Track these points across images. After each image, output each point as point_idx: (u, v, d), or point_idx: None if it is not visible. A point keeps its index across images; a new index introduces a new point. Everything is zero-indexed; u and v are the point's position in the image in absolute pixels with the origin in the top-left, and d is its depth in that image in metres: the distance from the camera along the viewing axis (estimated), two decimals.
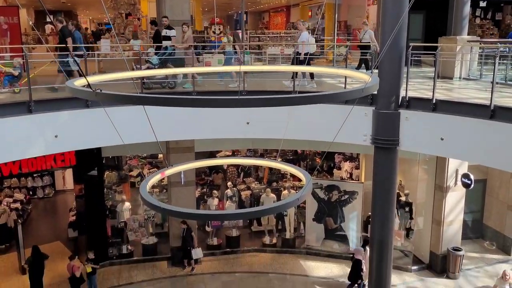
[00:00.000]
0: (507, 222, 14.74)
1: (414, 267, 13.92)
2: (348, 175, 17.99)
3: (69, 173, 19.18)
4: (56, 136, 9.05)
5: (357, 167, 17.65)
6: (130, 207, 15.66)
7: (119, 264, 14.37)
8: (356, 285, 12.38)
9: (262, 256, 14.91)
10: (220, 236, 15.57)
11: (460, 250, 13.38)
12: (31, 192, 19.48)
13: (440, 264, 13.62)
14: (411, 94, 9.57)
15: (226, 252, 15.06)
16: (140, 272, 13.93)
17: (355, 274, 12.36)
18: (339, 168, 18.64)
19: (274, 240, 15.51)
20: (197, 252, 13.94)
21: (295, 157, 19.60)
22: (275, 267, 14.19)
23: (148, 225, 15.32)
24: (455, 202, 13.58)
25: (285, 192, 15.68)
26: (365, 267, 12.09)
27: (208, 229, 15.67)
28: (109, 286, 13.17)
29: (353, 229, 14.89)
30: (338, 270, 13.96)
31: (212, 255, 14.93)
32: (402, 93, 9.40)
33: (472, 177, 13.10)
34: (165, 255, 14.63)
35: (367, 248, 12.29)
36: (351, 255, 12.80)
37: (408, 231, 15.20)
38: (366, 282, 11.70)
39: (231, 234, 15.39)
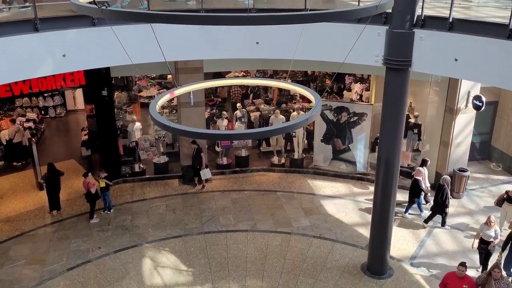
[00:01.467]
0: None
1: None
2: (358, 97, 17.89)
3: (79, 93, 19.27)
4: (64, 55, 8.95)
5: (368, 89, 17.50)
6: (140, 127, 15.89)
7: (132, 182, 14.87)
8: (414, 204, 12.86)
9: (271, 175, 15.31)
10: (230, 156, 15.90)
11: (466, 171, 13.58)
12: (43, 112, 19.73)
13: None
14: (427, 12, 9.21)
15: (235, 171, 15.46)
16: (153, 189, 14.45)
17: (413, 193, 12.75)
18: (349, 90, 18.50)
19: (283, 160, 15.82)
20: (205, 173, 14.30)
21: (304, 79, 19.42)
22: (283, 185, 14.61)
23: (159, 145, 15.63)
24: (464, 124, 13.56)
25: (294, 113, 15.72)
26: (424, 185, 12.70)
27: (218, 149, 15.98)
28: (123, 202, 13.74)
29: (360, 150, 15.08)
30: (344, 189, 14.35)
31: (222, 174, 15.36)
32: (418, 11, 9.05)
33: (483, 99, 12.96)
34: (176, 173, 15.06)
35: (425, 168, 12.89)
36: (411, 175, 13.06)
37: (415, 152, 15.39)
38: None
39: (240, 154, 15.69)
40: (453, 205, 13.34)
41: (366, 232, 11.66)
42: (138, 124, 15.79)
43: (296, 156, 15.69)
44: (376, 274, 10.57)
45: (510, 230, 10.70)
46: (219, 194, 14.18)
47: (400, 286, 10.27)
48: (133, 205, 13.61)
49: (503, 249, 10.14)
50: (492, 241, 10.05)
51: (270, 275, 10.62)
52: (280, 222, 12.65)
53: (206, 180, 14.59)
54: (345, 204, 13.54)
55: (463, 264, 8.51)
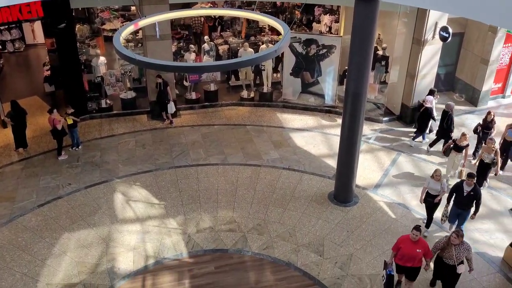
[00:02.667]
0: (478, 75, 15.16)
1: (385, 118, 14.60)
2: (327, 29, 17.70)
3: (38, 26, 18.35)
4: None
5: (337, 21, 17.30)
6: (105, 61, 15.41)
7: (99, 118, 14.65)
8: (423, 133, 13.48)
9: (240, 109, 15.33)
10: (199, 91, 15.75)
11: None
12: (0, 47, 18.79)
13: (410, 115, 14.28)
14: None
15: (204, 106, 15.38)
16: (121, 125, 14.30)
17: (422, 122, 13.27)
18: (319, 22, 18.24)
19: (252, 94, 15.79)
20: (171, 107, 14.18)
21: (273, 10, 18.96)
22: (253, 119, 14.69)
23: (125, 80, 15.28)
24: (430, 55, 13.72)
25: (263, 46, 15.50)
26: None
27: (186, 83, 15.77)
28: (92, 138, 13.60)
29: (329, 83, 15.16)
30: (313, 122, 14.57)
31: (191, 109, 15.27)
32: None
33: (450, 30, 13.05)
34: (145, 109, 14.88)
35: (434, 97, 13.24)
36: (420, 103, 13.56)
37: (382, 84, 15.61)
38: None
39: (209, 88, 15.55)
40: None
41: (333, 163, 12.01)
42: (102, 59, 15.30)
43: (265, 89, 15.67)
44: (342, 202, 11.04)
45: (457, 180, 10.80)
46: (189, 129, 14.17)
47: (364, 212, 10.79)
48: (102, 141, 13.49)
49: (448, 202, 9.77)
50: (439, 195, 9.73)
51: (240, 206, 10.95)
52: (250, 155, 12.86)
53: (175, 115, 14.50)
54: (314, 137, 13.80)
55: (417, 228, 7.92)
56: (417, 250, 7.96)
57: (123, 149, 13.09)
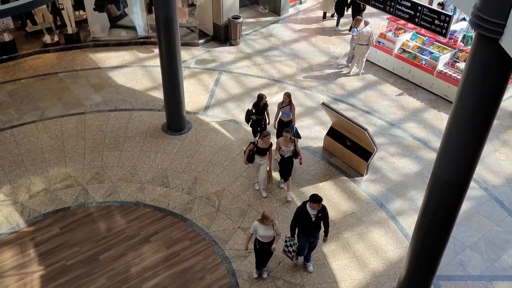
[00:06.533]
0: None
1: (201, 41, 14.72)
2: None
3: None
4: None
5: None
6: None
7: None
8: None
9: (46, 57, 13.87)
10: None
11: (239, 18, 14.39)
12: None
13: (223, 33, 14.63)
14: None
15: (2, 60, 13.51)
16: None
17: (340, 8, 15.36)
18: None
19: (56, 38, 14.33)
20: None
21: None
22: (63, 65, 13.49)
23: None
24: None
25: None
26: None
27: None
28: None
29: (138, 14, 14.51)
30: (130, 57, 13.99)
31: None
32: None
33: None
34: None
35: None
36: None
37: (191, 7, 15.53)
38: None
39: (3, 39, 13.61)
40: (232, 52, 14.34)
41: (160, 94, 11.89)
42: None
43: (69, 30, 14.32)
44: (176, 131, 11.16)
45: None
46: None
47: (199, 136, 11.12)
48: None
49: (293, 233, 7.87)
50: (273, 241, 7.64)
51: (73, 159, 10.33)
52: (70, 104, 11.96)
53: None
54: (134, 72, 13.34)
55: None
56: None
57: None
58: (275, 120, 10.33)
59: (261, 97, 10.10)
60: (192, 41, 14.69)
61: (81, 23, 14.85)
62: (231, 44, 14.65)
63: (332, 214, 9.24)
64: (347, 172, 10.31)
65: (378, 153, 10.39)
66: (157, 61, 12.24)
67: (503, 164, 10.62)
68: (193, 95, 12.41)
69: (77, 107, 11.87)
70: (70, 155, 10.43)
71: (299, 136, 10.08)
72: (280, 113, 10.10)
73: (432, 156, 10.41)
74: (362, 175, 10.19)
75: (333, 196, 9.71)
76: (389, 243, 8.82)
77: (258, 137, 9.79)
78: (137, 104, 12.07)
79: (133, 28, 14.72)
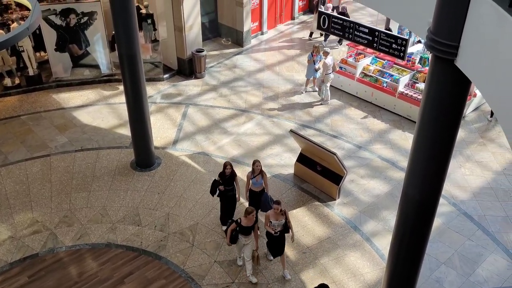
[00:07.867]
0: (237, 17, 16.31)
1: (166, 75, 14.74)
2: None
3: None
4: None
5: None
6: None
7: None
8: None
9: (8, 100, 13.57)
10: None
11: (202, 51, 14.54)
12: None
13: (188, 67, 14.72)
14: None
15: None
16: None
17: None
18: None
19: (17, 81, 14.09)
20: None
21: None
22: (26, 108, 13.22)
23: None
24: (191, 6, 14.12)
25: (14, 24, 13.73)
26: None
27: None
28: None
29: (100, 52, 14.46)
30: (94, 95, 13.85)
31: None
32: None
33: None
34: None
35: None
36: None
37: (154, 42, 15.61)
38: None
39: None
40: (198, 85, 14.42)
41: (127, 131, 11.76)
42: None
43: (31, 72, 14.11)
44: (146, 167, 11.01)
45: None
46: None
47: (169, 171, 11.00)
48: None
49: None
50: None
51: (39, 203, 10.01)
52: (34, 146, 11.67)
53: None
54: (99, 110, 13.19)
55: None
56: None
57: None
58: (246, 192, 9.24)
59: (225, 165, 8.87)
60: (157, 76, 14.70)
61: (43, 64, 14.66)
62: (196, 77, 14.74)
63: (307, 240, 9.23)
64: (319, 197, 10.36)
65: (348, 176, 10.52)
66: (122, 98, 12.16)
67: (469, 179, 10.91)
68: (160, 130, 12.34)
69: (42, 149, 11.59)
70: (37, 199, 10.12)
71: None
72: (251, 183, 9.01)
73: (401, 175, 10.61)
74: (335, 199, 10.26)
75: (307, 222, 9.71)
76: (366, 266, 8.84)
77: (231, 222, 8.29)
78: (104, 142, 11.89)
79: (96, 66, 14.62)
